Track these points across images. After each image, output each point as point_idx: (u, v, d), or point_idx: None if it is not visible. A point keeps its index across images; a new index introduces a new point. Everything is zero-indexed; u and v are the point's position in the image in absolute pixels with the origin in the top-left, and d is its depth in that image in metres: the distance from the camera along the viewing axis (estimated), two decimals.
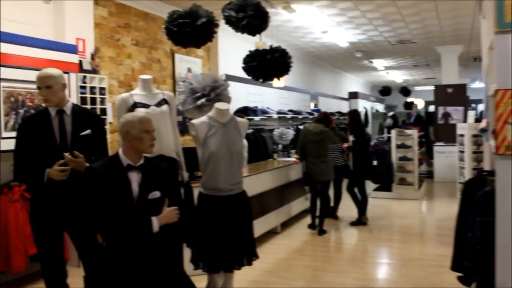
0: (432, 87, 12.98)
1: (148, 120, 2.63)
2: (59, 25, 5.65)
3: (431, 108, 15.22)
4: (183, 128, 7.82)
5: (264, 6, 4.72)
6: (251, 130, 9.05)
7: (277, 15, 8.49)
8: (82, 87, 5.53)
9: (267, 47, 5.34)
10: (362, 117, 9.75)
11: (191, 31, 4.29)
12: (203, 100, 4.14)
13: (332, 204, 7.24)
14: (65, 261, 3.23)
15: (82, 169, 2.82)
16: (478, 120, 9.36)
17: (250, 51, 5.34)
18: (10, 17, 5.08)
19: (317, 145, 6.34)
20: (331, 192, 6.95)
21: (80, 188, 2.58)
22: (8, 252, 4.44)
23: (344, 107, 16.29)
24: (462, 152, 8.70)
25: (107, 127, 5.88)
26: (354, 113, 7.35)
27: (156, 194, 2.59)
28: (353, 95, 17.32)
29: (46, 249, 3.10)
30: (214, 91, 4.14)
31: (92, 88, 5.72)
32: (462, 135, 8.77)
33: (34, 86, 3.15)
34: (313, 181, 6.46)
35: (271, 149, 8.60)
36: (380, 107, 19.99)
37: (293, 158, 7.57)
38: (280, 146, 8.38)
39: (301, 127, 9.67)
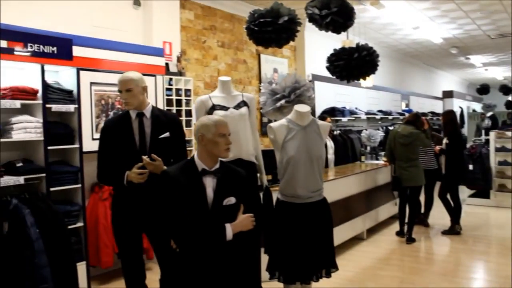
0: None
1: (224, 124, 2.54)
2: (147, 30, 5.84)
3: None
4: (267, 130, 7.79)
5: (349, 3, 4.50)
6: (338, 132, 8.83)
7: (365, 12, 8.18)
8: (168, 89, 5.66)
9: (354, 45, 5.12)
10: (458, 117, 9.15)
11: (273, 31, 4.18)
12: (282, 101, 4.02)
13: (422, 210, 6.84)
14: (144, 262, 3.26)
15: (160, 172, 2.81)
16: None
17: (334, 50, 5.14)
18: (102, 25, 5.32)
19: (406, 148, 5.99)
20: (422, 198, 6.55)
21: (155, 192, 2.56)
22: (98, 247, 4.64)
23: (438, 107, 15.46)
24: None
25: (192, 128, 5.97)
26: (448, 114, 6.88)
27: (231, 200, 2.51)
28: (448, 94, 16.41)
29: (125, 250, 3.16)
30: (294, 92, 4.00)
31: (178, 90, 5.84)
32: None
33: None
34: (402, 186, 6.12)
35: (359, 151, 8.33)
36: (478, 107, 18.71)
37: (381, 161, 7.26)
38: (368, 148, 8.08)
39: (391, 128, 9.27)
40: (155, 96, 5.09)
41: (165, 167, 2.90)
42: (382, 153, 7.63)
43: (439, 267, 5.23)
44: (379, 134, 7.99)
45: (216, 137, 2.48)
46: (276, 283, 3.35)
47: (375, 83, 9.48)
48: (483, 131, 12.16)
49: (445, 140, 6.65)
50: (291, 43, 4.75)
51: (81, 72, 4.50)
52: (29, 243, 3.77)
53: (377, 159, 7.80)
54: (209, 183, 2.49)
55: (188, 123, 5.90)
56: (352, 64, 4.96)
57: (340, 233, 5.44)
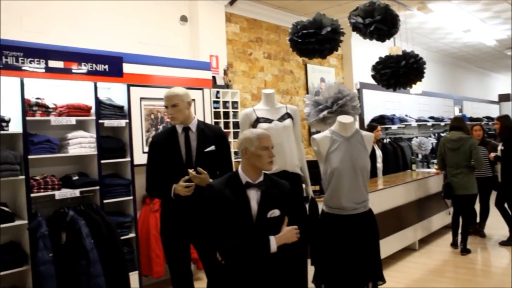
0: None
1: (267, 137, 2.57)
2: (194, 44, 5.99)
3: None
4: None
5: (393, 10, 4.46)
6: (388, 140, 8.69)
7: (413, 17, 8.04)
8: (216, 102, 5.77)
9: (401, 52, 5.05)
10: None
11: (316, 42, 4.19)
12: (324, 112, 4.00)
13: (478, 219, 6.59)
14: (192, 273, 3.33)
15: (205, 186, 2.87)
16: None
17: (380, 58, 5.09)
18: (150, 41, 5.51)
19: (455, 154, 5.80)
20: (477, 206, 6.31)
21: (200, 205, 2.62)
22: (149, 258, 4.77)
23: (494, 112, 14.89)
24: None
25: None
26: (504, 119, 6.61)
27: (275, 212, 2.53)
28: (505, 98, 15.80)
29: (173, 260, 3.23)
30: (337, 103, 3.98)
31: (225, 102, 5.94)
32: None
33: None
34: (454, 194, 5.92)
35: (409, 159, 8.15)
36: None
37: (433, 169, 7.07)
38: (419, 156, 7.89)
39: (443, 135, 9.02)
40: (203, 109, 5.21)
41: (211, 180, 2.96)
42: (434, 161, 7.43)
43: (496, 281, 5.00)
44: (431, 142, 7.80)
45: (259, 150, 2.52)
46: None
47: (425, 88, 9.27)
48: None
49: (500, 147, 6.40)
50: (338, 51, 4.74)
51: (131, 88, 4.68)
52: (85, 253, 3.95)
53: (428, 167, 7.61)
54: (253, 195, 2.52)
55: (236, 135, 5.98)
56: (399, 72, 4.88)
57: (391, 244, 5.34)
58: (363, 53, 8.99)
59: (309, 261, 3.67)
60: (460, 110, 12.80)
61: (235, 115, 5.99)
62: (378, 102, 9.22)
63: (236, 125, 6.00)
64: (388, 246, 5.21)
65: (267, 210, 2.52)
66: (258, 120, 3.57)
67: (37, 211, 4.03)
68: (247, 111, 3.67)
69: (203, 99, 5.24)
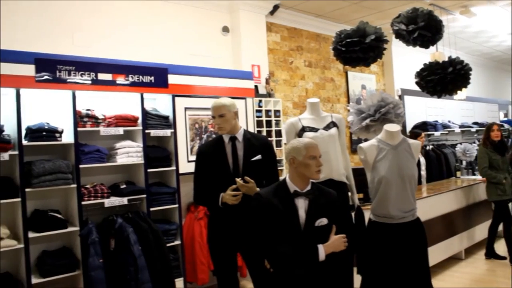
0: None
1: (314, 146, 2.59)
2: (236, 54, 6.08)
3: None
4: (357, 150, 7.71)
5: (436, 15, 4.39)
6: (431, 147, 8.53)
7: (455, 21, 7.90)
8: (258, 111, 5.83)
9: (444, 58, 4.96)
10: None
11: (360, 50, 4.17)
12: (367, 120, 3.98)
13: None
14: (238, 280, 3.36)
15: (253, 194, 2.91)
16: None
17: (424, 64, 5.01)
18: (194, 52, 5.63)
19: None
20: None
21: (248, 213, 2.66)
22: (194, 264, 4.83)
23: None
24: None
25: (282, 148, 6.09)
26: None
27: (323, 221, 2.54)
28: None
29: (221, 268, 3.26)
30: (379, 111, 3.95)
31: (268, 111, 5.98)
32: None
33: None
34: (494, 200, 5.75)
35: (453, 167, 7.97)
36: None
37: (479, 176, 6.88)
38: (463, 163, 7.70)
39: None
40: (245, 118, 5.27)
41: (258, 189, 3.00)
42: None
43: None
44: (475, 148, 7.60)
45: (307, 159, 2.54)
46: None
47: (468, 93, 9.06)
48: None
49: None
50: None
51: (176, 98, 4.79)
52: (133, 260, 4.05)
53: (473, 174, 7.42)
54: (301, 204, 2.54)
55: (278, 143, 6.02)
56: (446, 79, 4.78)
57: (436, 253, 5.23)
58: (404, 59, 8.89)
59: (355, 269, 3.65)
60: (505, 115, 12.43)
61: (277, 123, 6.03)
62: (420, 108, 9.08)
63: (278, 133, 6.03)
64: (433, 255, 5.08)
65: (315, 218, 2.53)
66: (303, 129, 3.59)
67: (88, 218, 4.17)
68: (292, 120, 3.69)
69: (246, 108, 5.30)
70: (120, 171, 4.68)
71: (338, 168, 3.59)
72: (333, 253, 2.51)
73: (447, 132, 9.21)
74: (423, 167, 6.95)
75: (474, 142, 8.78)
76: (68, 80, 4.07)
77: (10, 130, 3.85)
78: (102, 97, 4.53)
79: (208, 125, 5.08)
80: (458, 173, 7.39)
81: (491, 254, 5.81)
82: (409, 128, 8.61)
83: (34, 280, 3.85)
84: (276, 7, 6.48)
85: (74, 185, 4.07)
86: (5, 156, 3.72)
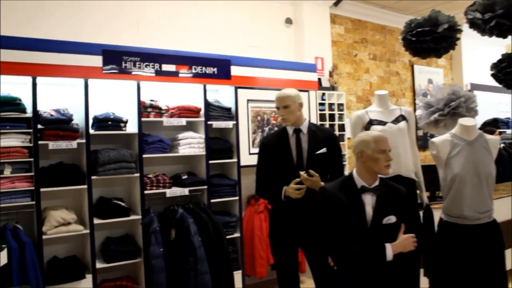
0: None
1: (384, 139, 2.46)
2: (298, 46, 5.96)
3: None
4: (423, 143, 7.40)
5: None
6: (502, 145, 8.05)
7: None
8: (321, 104, 5.70)
9: None
10: None
11: (432, 40, 3.94)
12: (436, 115, 3.75)
13: None
14: (299, 277, 3.27)
15: (317, 188, 2.81)
16: None
17: (503, 55, 4.67)
18: (257, 44, 5.57)
19: None
20: None
21: (313, 208, 2.56)
22: (253, 258, 4.80)
23: None
24: None
25: (345, 142, 5.93)
26: None
27: (392, 219, 2.41)
28: None
29: (281, 263, 3.19)
30: (449, 105, 3.71)
31: (331, 104, 5.84)
32: None
33: None
34: None
35: None
36: None
37: None
38: None
39: None
40: (308, 111, 5.15)
41: (322, 183, 2.89)
42: None
43: None
44: None
45: (376, 153, 2.42)
46: None
47: None
48: None
49: None
50: None
51: (239, 90, 4.75)
52: (193, 250, 4.06)
53: None
54: (368, 200, 2.42)
55: (341, 138, 5.86)
56: None
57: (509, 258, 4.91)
58: (475, 52, 8.42)
59: (421, 271, 3.47)
60: None
61: (340, 117, 5.87)
62: (491, 104, 8.58)
63: (342, 128, 5.87)
64: (509, 258, 4.80)
65: (382, 216, 2.41)
66: (371, 122, 3.44)
67: (150, 208, 4.23)
68: (359, 113, 3.55)
69: (309, 101, 5.19)
70: (182, 162, 4.71)
71: (407, 164, 3.43)
72: (401, 253, 2.37)
73: None
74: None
75: None
76: (133, 71, 4.13)
77: (78, 119, 3.97)
78: (166, 88, 4.56)
79: (270, 117, 5.01)
80: None
81: None
82: (478, 125, 8.17)
83: (99, 265, 3.96)
84: None
85: (137, 174, 4.13)
86: (74, 144, 3.83)
